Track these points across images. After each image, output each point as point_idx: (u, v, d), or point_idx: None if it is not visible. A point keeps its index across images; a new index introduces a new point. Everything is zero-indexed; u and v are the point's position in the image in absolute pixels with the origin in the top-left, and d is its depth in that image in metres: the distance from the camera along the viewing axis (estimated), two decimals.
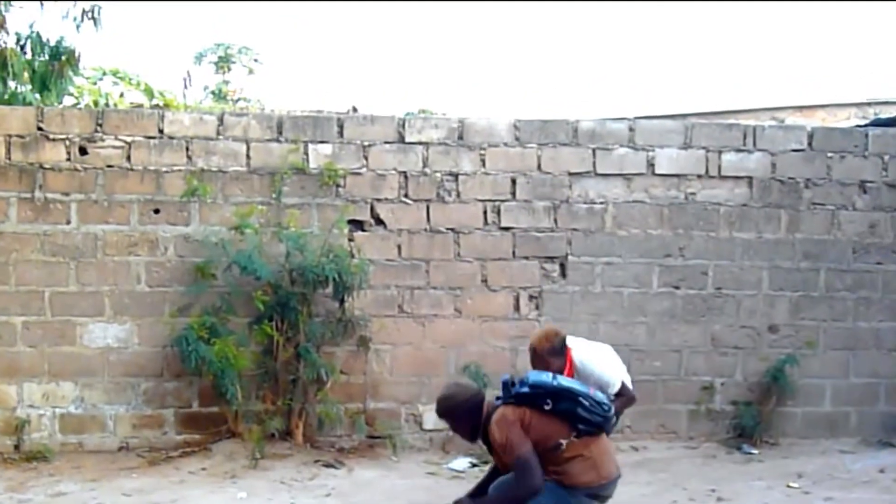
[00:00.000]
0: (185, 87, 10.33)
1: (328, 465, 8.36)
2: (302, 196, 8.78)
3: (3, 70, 9.63)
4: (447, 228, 8.94)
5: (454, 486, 7.91)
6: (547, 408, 5.48)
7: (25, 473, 8.07)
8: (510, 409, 5.55)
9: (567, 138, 9.03)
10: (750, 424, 9.12)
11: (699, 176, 9.16)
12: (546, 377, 5.60)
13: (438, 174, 8.90)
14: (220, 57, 15.75)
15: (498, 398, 5.68)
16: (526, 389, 5.54)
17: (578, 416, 5.46)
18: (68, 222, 8.56)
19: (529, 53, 32.18)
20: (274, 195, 8.71)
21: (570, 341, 6.32)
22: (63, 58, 9.94)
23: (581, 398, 5.47)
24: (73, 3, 9.88)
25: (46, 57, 9.92)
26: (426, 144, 8.90)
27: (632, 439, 9.11)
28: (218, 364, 8.27)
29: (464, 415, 5.71)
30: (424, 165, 8.90)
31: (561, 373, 5.95)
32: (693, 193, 9.16)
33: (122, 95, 9.66)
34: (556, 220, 9.04)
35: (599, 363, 6.38)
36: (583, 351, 6.39)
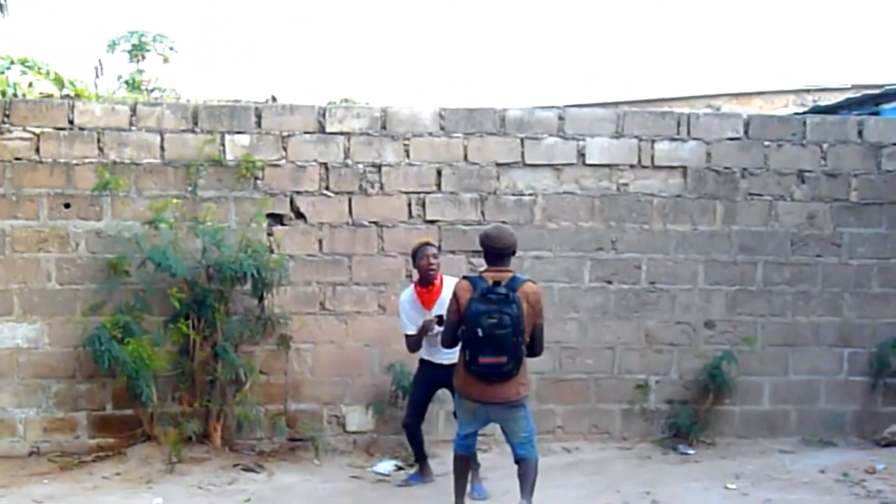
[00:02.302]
0: (97, 76, 10.87)
1: (247, 469, 9.00)
2: (219, 189, 9.45)
3: None
4: (370, 222, 9.63)
5: (379, 489, 8.57)
6: None
7: None
8: None
9: (494, 127, 9.74)
10: (686, 424, 9.80)
11: (631, 166, 9.87)
12: None
13: (361, 165, 9.61)
14: (133, 45, 15.92)
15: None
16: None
17: None
18: None
19: (455, 40, 32.52)
20: (189, 188, 9.36)
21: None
22: None
23: None
24: None
25: None
26: (348, 135, 9.59)
27: (563, 440, 9.84)
28: (132, 365, 8.88)
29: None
30: (346, 157, 9.60)
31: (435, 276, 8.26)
32: (625, 184, 9.87)
33: (30, 85, 9.98)
34: (483, 213, 9.74)
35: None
36: None
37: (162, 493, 8.29)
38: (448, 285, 7.97)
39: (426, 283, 8.31)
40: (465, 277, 7.37)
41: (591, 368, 9.90)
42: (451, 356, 7.68)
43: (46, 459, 9.17)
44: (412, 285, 8.53)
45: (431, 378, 8.42)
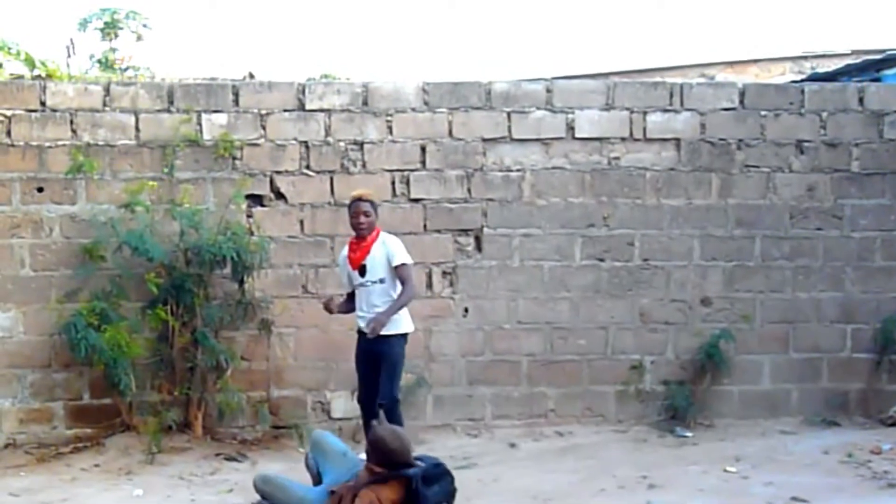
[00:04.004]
0: (69, 55, 10.71)
1: (230, 459, 8.97)
2: (196, 170, 9.42)
3: None
4: None
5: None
6: None
7: None
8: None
9: (480, 102, 9.68)
10: (683, 405, 9.76)
11: (623, 139, 9.81)
12: None
13: (342, 143, 9.57)
14: (106, 23, 15.84)
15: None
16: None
17: None
18: None
19: (438, 11, 32.33)
20: (166, 170, 9.33)
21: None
22: None
23: None
24: None
25: None
26: (328, 112, 9.55)
27: (556, 424, 9.79)
28: (109, 352, 8.85)
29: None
30: (327, 134, 9.55)
31: (368, 232, 8.06)
32: (617, 158, 9.81)
33: (0, 66, 10.10)
34: (469, 190, 9.70)
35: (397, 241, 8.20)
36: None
37: (142, 485, 8.26)
38: (381, 243, 8.08)
39: (357, 238, 8.23)
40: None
41: (584, 349, 9.85)
42: (364, 315, 8.06)
43: (23, 451, 9.13)
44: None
45: (361, 347, 8.30)
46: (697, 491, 7.89)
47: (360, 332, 8.23)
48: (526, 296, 9.74)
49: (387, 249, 8.04)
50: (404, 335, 8.13)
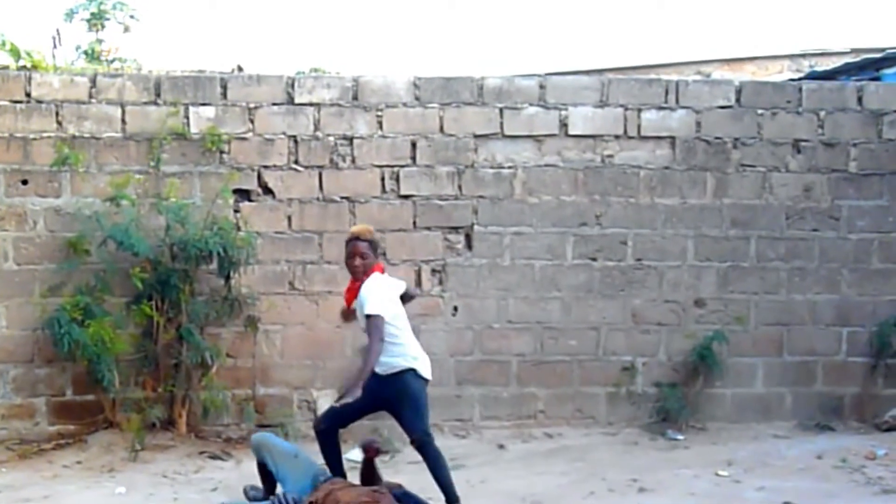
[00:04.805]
0: (55, 46, 10.75)
1: (214, 457, 8.97)
2: (183, 164, 9.39)
3: None
4: (341, 197, 9.55)
5: (351, 477, 8.27)
6: None
7: None
8: None
9: (472, 97, 9.63)
10: (675, 408, 9.72)
11: (617, 136, 9.76)
12: None
13: (331, 138, 9.52)
14: (92, 13, 15.87)
15: None
16: None
17: None
18: None
19: (431, 4, 32.27)
20: (152, 163, 9.30)
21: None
22: None
23: None
24: None
25: None
26: (318, 106, 9.51)
27: (546, 425, 9.76)
28: (93, 348, 8.83)
29: None
30: (316, 129, 9.51)
31: (363, 273, 7.25)
32: (610, 156, 9.77)
33: None
34: (460, 187, 9.66)
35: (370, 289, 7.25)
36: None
37: (125, 482, 8.26)
38: (370, 284, 7.23)
39: (353, 278, 7.47)
40: None
41: (575, 350, 9.82)
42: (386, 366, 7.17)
43: (4, 447, 9.09)
44: None
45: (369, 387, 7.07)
46: (688, 495, 7.89)
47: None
48: (516, 295, 9.70)
49: (361, 296, 7.22)
50: (412, 370, 7.29)
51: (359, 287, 7.27)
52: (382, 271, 7.43)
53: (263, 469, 7.28)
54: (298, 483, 6.95)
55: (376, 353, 6.99)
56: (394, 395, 7.21)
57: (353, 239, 7.38)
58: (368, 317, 7.06)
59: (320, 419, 7.72)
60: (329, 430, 7.52)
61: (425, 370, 7.31)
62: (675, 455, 9.10)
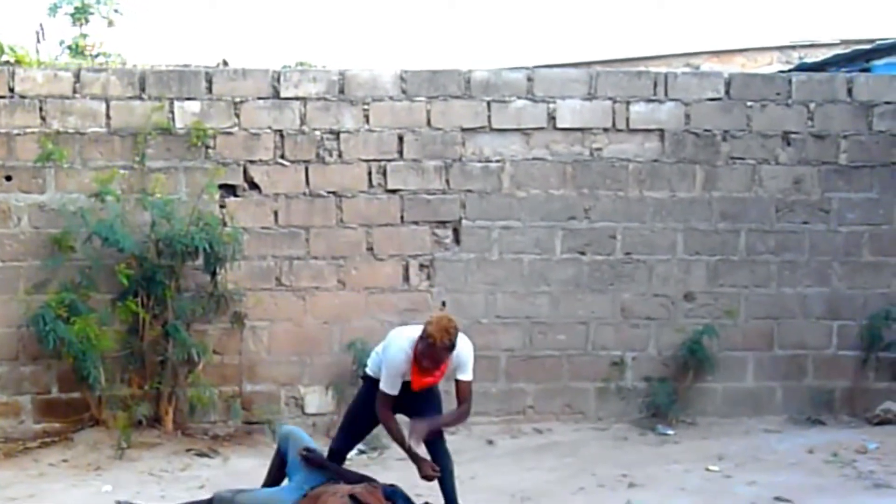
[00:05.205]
0: (39, 41, 10.77)
1: (201, 455, 8.96)
2: (168, 159, 9.37)
3: None
4: (328, 192, 9.53)
5: None
6: None
7: None
8: None
9: (459, 90, 9.62)
10: (665, 403, 9.72)
11: (605, 129, 9.75)
12: None
13: (318, 132, 9.50)
14: (76, 8, 15.84)
15: None
16: None
17: None
18: None
19: None
20: (137, 158, 9.28)
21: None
22: None
23: None
24: None
25: None
26: (304, 100, 9.49)
27: (535, 421, 9.76)
28: (79, 345, 8.82)
29: None
30: (302, 123, 9.49)
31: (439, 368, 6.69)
32: (599, 149, 9.76)
33: None
34: (447, 181, 9.65)
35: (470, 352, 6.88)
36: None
37: (111, 481, 8.26)
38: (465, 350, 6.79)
39: (423, 372, 6.81)
40: None
41: (564, 345, 9.82)
42: None
43: None
44: (412, 340, 6.73)
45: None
46: (679, 490, 7.88)
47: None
48: (505, 289, 9.69)
49: (458, 363, 6.82)
50: None
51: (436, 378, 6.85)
52: None
53: (278, 458, 7.14)
54: (309, 476, 6.82)
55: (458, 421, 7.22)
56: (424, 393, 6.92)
57: (442, 340, 6.54)
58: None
59: (334, 445, 7.28)
60: (342, 450, 7.29)
61: None
62: (666, 450, 9.09)
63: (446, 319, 6.62)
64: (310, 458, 6.81)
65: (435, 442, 6.93)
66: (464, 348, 6.77)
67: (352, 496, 6.42)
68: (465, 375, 6.86)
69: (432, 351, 6.55)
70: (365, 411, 7.07)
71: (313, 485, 6.70)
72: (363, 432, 7.39)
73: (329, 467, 6.89)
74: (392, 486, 6.81)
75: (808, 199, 9.91)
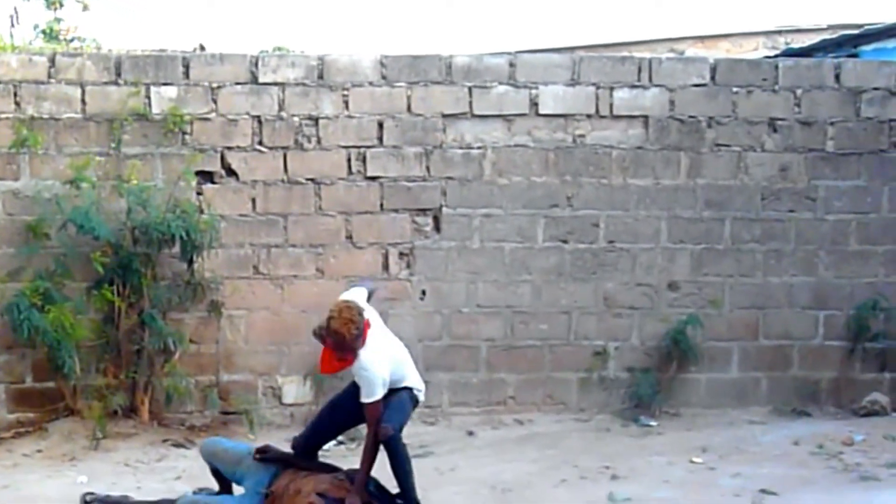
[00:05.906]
0: (13, 25, 10.79)
1: (177, 445, 8.96)
2: (144, 145, 9.34)
3: None
4: (307, 179, 9.51)
5: None
6: None
7: None
8: None
9: (440, 76, 9.59)
10: (648, 393, 9.72)
11: (588, 116, 9.72)
12: None
13: (296, 118, 9.47)
14: None
15: None
16: None
17: None
18: None
19: None
20: (113, 145, 9.26)
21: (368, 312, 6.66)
22: None
23: None
24: None
25: None
26: (282, 85, 9.45)
27: (516, 412, 9.75)
28: (53, 334, 8.81)
29: None
30: (280, 109, 9.46)
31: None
32: (582, 136, 9.72)
33: None
34: (428, 168, 9.61)
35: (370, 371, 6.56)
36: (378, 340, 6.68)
37: (86, 472, 8.24)
38: (366, 361, 6.53)
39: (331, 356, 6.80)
40: None
41: (546, 334, 9.80)
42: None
43: None
44: None
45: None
46: (662, 482, 7.87)
47: None
48: (486, 278, 9.66)
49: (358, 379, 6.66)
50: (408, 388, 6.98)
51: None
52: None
53: (218, 474, 7.11)
54: (258, 477, 6.79)
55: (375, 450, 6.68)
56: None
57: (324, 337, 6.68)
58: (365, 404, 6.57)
59: (298, 439, 7.16)
60: (309, 452, 7.12)
61: (421, 394, 7.05)
62: (649, 441, 9.08)
63: (347, 304, 6.49)
64: (266, 458, 6.78)
65: (394, 440, 6.67)
66: (364, 362, 6.50)
67: (320, 494, 6.38)
68: (364, 397, 6.54)
69: (339, 345, 6.46)
70: (340, 403, 7.02)
71: (268, 483, 6.68)
72: (334, 430, 7.33)
73: (285, 458, 6.87)
74: (372, 478, 6.75)
75: (795, 186, 9.89)
